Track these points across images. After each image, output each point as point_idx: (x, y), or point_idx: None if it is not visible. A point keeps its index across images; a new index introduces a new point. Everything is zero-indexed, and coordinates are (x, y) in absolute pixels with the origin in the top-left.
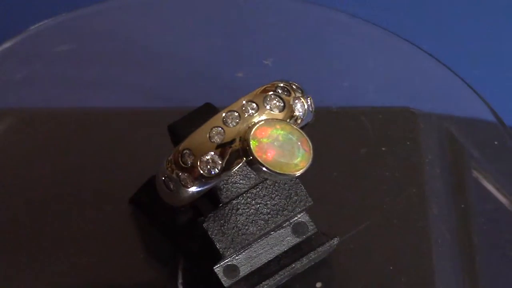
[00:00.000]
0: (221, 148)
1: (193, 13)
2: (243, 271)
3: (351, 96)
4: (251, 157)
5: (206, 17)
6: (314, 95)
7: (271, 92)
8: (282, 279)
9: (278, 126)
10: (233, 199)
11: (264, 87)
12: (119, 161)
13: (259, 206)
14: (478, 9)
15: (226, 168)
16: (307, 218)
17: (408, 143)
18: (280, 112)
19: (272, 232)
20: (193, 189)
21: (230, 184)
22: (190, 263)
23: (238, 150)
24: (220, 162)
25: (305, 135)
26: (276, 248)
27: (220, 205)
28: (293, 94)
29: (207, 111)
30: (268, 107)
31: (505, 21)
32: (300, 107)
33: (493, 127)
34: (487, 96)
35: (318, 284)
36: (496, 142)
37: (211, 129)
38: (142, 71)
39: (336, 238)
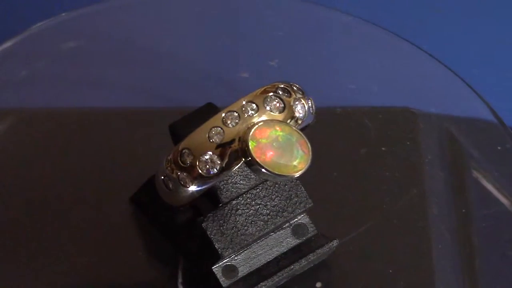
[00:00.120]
0: (221, 148)
1: (198, 13)
2: (242, 271)
3: (351, 96)
4: (249, 158)
5: (208, 17)
6: (313, 95)
7: (272, 93)
8: (280, 280)
9: (277, 127)
10: (233, 200)
11: (264, 88)
12: (119, 161)
13: (259, 207)
14: (478, 9)
15: (225, 168)
16: (307, 219)
17: (408, 143)
18: (280, 113)
19: (271, 233)
20: (192, 188)
21: (230, 185)
22: (190, 263)
23: (237, 151)
24: (219, 162)
25: (304, 136)
26: (275, 249)
27: (220, 205)
28: (293, 95)
29: (208, 111)
30: (268, 108)
31: (505, 21)
32: (301, 108)
33: (493, 127)
34: (487, 96)
35: (318, 284)
36: (496, 142)
37: (211, 129)
38: (143, 71)
39: (335, 240)
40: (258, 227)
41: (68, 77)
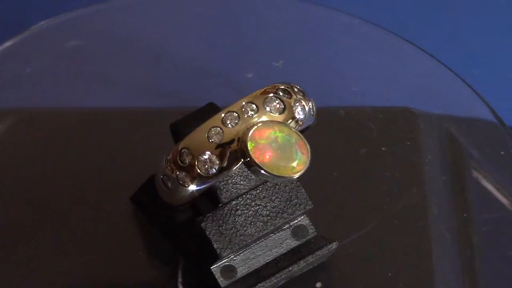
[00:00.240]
0: (220, 149)
1: (199, 13)
2: (241, 272)
3: (351, 96)
4: (248, 159)
5: (209, 16)
6: (313, 96)
7: (272, 94)
8: (279, 281)
9: (276, 128)
10: (233, 200)
11: (264, 88)
12: (119, 161)
13: (259, 208)
14: (478, 9)
15: (224, 168)
16: (307, 221)
17: (408, 143)
18: (280, 114)
19: (271, 234)
20: (191, 188)
21: (230, 185)
22: (189, 263)
23: (236, 151)
24: (218, 162)
25: (303, 138)
26: (274, 250)
27: (220, 205)
28: (294, 97)
29: (210, 110)
30: (268, 109)
31: (505, 21)
32: (301, 110)
33: (493, 127)
34: (487, 96)
35: (318, 284)
36: (496, 142)
37: (210, 129)
38: (144, 70)
39: (335, 243)
40: (257, 228)
41: (68, 77)
